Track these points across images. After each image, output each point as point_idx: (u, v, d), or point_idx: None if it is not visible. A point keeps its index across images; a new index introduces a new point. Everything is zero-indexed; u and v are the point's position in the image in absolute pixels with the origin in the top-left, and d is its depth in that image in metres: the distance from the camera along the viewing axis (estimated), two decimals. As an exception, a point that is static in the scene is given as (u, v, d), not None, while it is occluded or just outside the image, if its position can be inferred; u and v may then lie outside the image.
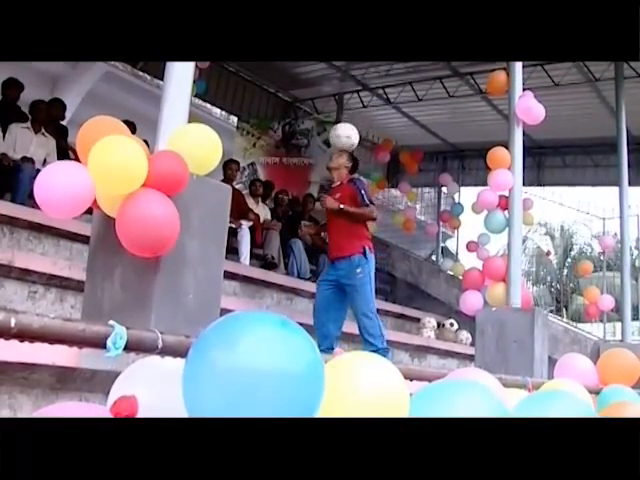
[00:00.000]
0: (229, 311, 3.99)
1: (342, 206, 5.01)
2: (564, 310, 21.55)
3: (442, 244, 14.10)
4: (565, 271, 24.97)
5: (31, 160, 5.68)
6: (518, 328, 5.05)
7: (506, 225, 5.48)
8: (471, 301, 5.43)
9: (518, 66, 5.58)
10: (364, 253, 5.04)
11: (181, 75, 2.64)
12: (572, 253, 25.13)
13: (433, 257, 12.47)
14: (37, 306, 3.79)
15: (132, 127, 7.52)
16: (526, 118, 5.53)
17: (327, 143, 10.92)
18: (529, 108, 5.49)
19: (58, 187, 2.21)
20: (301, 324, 4.44)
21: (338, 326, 5.23)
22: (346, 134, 5.20)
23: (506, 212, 5.52)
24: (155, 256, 2.27)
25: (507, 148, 5.57)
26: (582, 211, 11.97)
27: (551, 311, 22.53)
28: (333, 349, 5.18)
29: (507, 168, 5.45)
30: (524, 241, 22.11)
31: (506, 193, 5.52)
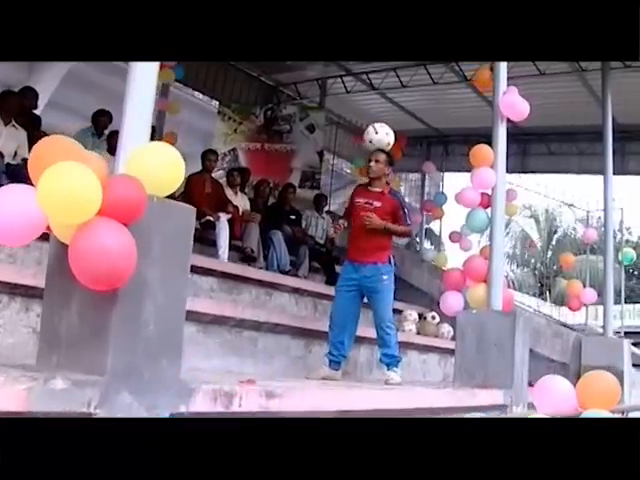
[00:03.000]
0: (204, 315, 3.83)
1: (386, 225, 4.93)
2: (547, 293, 21.63)
3: (426, 226, 14.03)
4: (549, 253, 25.03)
5: (0, 154, 5.48)
6: (499, 331, 4.97)
7: (488, 224, 5.37)
8: (451, 302, 5.34)
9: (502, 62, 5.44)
10: (389, 261, 5.04)
11: (142, 92, 2.49)
12: (556, 236, 25.18)
13: (417, 239, 12.37)
14: (1, 316, 3.64)
15: (108, 116, 7.34)
16: (510, 114, 5.42)
17: (309, 129, 10.79)
18: (513, 104, 5.37)
19: (6, 215, 2.07)
20: (278, 325, 4.29)
21: (353, 334, 5.12)
22: (385, 131, 5.05)
23: (488, 210, 5.41)
24: (111, 289, 2.14)
25: (491, 141, 5.44)
26: (566, 203, 11.90)
27: (534, 294, 22.66)
28: (346, 357, 5.12)
29: (490, 166, 5.32)
30: (508, 224, 22.10)
31: (488, 191, 5.41)
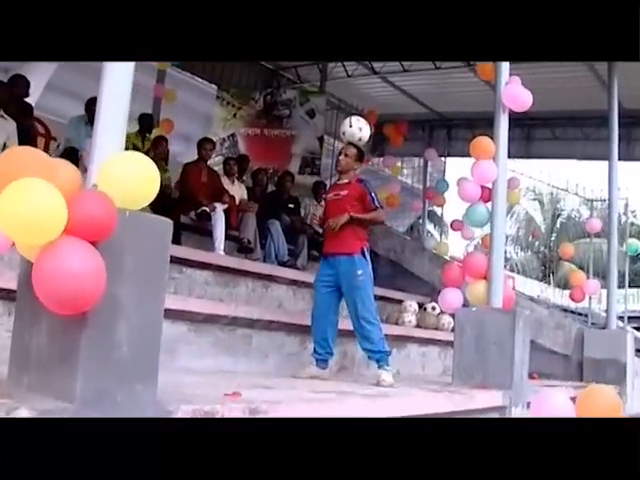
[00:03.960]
0: (196, 314, 3.69)
1: (352, 214, 4.80)
2: (551, 276, 21.49)
3: (430, 208, 13.87)
4: (553, 236, 24.86)
5: (-13, 146, 5.34)
6: (498, 329, 4.85)
7: (489, 218, 5.22)
8: (450, 298, 5.21)
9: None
10: (363, 253, 4.87)
11: (116, 96, 2.34)
12: (560, 219, 24.99)
13: (420, 221, 12.20)
14: (-19, 320, 3.52)
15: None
16: (513, 105, 5.25)
17: (309, 114, 10.60)
18: (516, 95, 5.20)
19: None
20: (272, 322, 4.13)
21: (336, 329, 5.00)
22: (360, 126, 4.92)
23: (489, 204, 5.26)
24: (77, 313, 2.01)
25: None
26: (569, 191, 11.72)
27: (538, 277, 22.49)
28: (332, 354, 5.02)
29: (491, 158, 5.17)
30: (512, 206, 21.88)
31: (489, 184, 5.25)
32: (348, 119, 5.04)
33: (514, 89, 5.18)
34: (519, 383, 4.79)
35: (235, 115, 10.67)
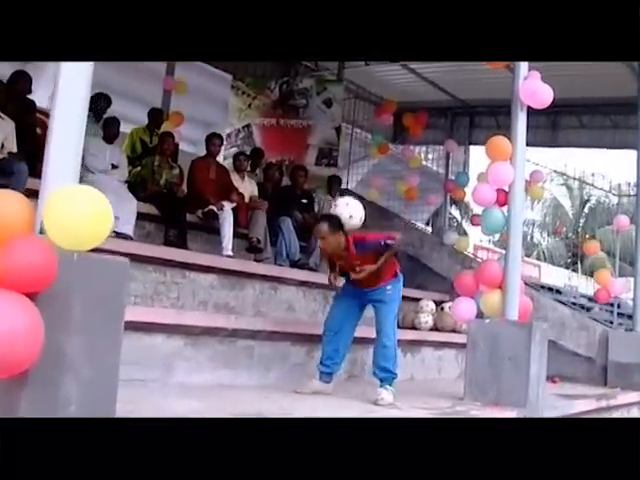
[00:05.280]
0: (194, 327, 3.45)
1: (375, 267, 4.54)
2: (579, 264, 20.98)
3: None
4: (581, 222, 24.29)
5: (-17, 147, 5.15)
6: (513, 343, 4.57)
7: (505, 224, 4.90)
8: (463, 309, 4.92)
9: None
10: (395, 275, 4.74)
11: (69, 125, 2.10)
12: (589, 204, 24.40)
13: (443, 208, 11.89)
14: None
15: (106, 100, 7.01)
16: (531, 102, 4.91)
17: (327, 103, 10.30)
18: (534, 92, 4.86)
19: None
20: (275, 332, 3.87)
21: (350, 341, 4.81)
22: (349, 212, 4.69)
23: (505, 209, 4.94)
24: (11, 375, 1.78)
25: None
26: (598, 187, 11.27)
27: (565, 265, 21.95)
28: (340, 367, 4.84)
29: (508, 160, 4.84)
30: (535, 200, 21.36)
31: (506, 187, 4.94)
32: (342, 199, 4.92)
33: (533, 85, 4.83)
34: (535, 401, 4.51)
35: (250, 105, 10.40)
